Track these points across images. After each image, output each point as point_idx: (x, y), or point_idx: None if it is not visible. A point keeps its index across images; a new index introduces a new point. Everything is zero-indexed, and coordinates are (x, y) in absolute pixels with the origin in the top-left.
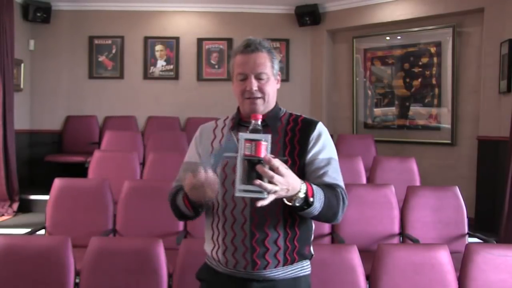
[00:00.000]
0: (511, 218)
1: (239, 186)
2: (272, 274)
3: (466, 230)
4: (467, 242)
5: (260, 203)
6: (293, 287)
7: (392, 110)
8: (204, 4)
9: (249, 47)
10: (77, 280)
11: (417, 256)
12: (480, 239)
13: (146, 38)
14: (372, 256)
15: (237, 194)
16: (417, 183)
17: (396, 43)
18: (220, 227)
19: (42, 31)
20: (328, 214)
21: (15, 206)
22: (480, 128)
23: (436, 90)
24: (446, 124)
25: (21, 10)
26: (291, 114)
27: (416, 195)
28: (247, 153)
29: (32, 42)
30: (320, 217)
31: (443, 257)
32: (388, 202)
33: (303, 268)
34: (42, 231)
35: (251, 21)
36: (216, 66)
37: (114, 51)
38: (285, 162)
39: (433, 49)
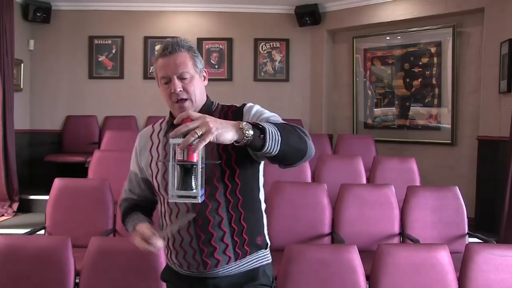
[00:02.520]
0: (511, 218)
1: (172, 191)
2: (226, 271)
3: (466, 230)
4: (467, 242)
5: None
6: (251, 278)
7: (392, 110)
8: (204, 4)
9: (167, 49)
10: (77, 280)
11: (417, 256)
12: (480, 239)
13: (146, 38)
14: (372, 256)
15: (171, 200)
16: (417, 183)
17: (396, 43)
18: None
19: (42, 31)
20: (293, 139)
21: (15, 206)
22: (480, 128)
23: (436, 90)
24: (446, 124)
25: (21, 10)
26: (222, 107)
27: (416, 195)
28: (179, 158)
29: (32, 42)
30: (289, 147)
31: (443, 257)
32: (388, 202)
33: (259, 258)
34: (42, 231)
35: (251, 21)
36: (216, 66)
37: (114, 51)
38: (221, 166)
39: (433, 49)
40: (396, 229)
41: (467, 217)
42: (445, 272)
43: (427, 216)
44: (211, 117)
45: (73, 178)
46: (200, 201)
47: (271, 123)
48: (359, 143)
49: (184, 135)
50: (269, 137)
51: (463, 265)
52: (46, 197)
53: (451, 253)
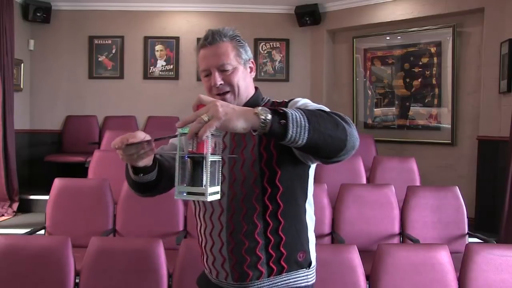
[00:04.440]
0: (511, 218)
1: (178, 187)
2: (256, 287)
3: (466, 230)
4: (467, 242)
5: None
6: None
7: (392, 110)
8: (204, 4)
9: (207, 39)
10: (77, 280)
11: (417, 256)
12: (480, 239)
13: (146, 38)
14: (372, 256)
15: (177, 196)
16: (417, 183)
17: (396, 43)
18: (202, 232)
19: (42, 31)
20: (326, 126)
21: (15, 206)
22: (480, 128)
23: (436, 90)
24: (446, 124)
25: (21, 10)
26: (273, 103)
27: (416, 195)
28: (189, 149)
29: (32, 42)
30: (320, 135)
31: (443, 257)
32: (388, 202)
33: (299, 278)
34: (42, 231)
35: (251, 21)
36: None
37: (114, 51)
38: (238, 160)
39: (433, 49)
40: (396, 229)
41: (467, 217)
42: (445, 272)
43: (427, 216)
44: (224, 102)
45: (73, 178)
46: (208, 199)
47: (299, 108)
48: (359, 143)
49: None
50: (292, 123)
51: (463, 265)
52: (46, 197)
53: (451, 253)
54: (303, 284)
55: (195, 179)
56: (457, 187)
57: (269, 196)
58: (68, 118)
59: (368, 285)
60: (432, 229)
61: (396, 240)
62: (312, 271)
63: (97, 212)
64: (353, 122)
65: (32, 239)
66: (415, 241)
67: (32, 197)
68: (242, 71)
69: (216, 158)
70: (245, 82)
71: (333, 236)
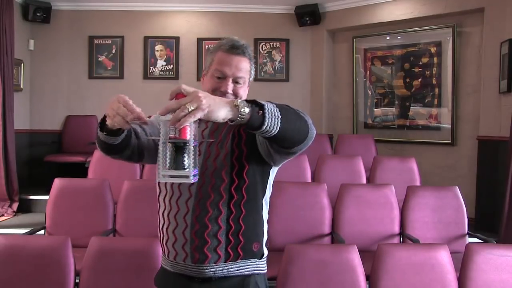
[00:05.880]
0: (511, 218)
1: (163, 171)
2: (212, 271)
3: (466, 230)
4: (467, 242)
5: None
6: (240, 286)
7: (392, 110)
8: (204, 4)
9: (237, 49)
10: (77, 280)
11: (417, 256)
12: (480, 239)
13: (146, 38)
14: (372, 256)
15: (161, 180)
16: (417, 183)
17: (396, 43)
18: (165, 215)
19: (42, 31)
20: (292, 117)
21: (15, 206)
22: (480, 128)
23: (436, 90)
24: (446, 124)
25: (21, 10)
26: None
27: (416, 195)
28: (171, 135)
29: (32, 42)
30: (289, 125)
31: (443, 257)
32: (388, 202)
33: (251, 266)
34: (42, 231)
35: (251, 21)
36: None
37: (114, 51)
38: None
39: (433, 49)
40: (396, 229)
41: (467, 217)
42: (445, 272)
43: (427, 216)
44: (205, 92)
45: (73, 178)
46: (192, 181)
47: (269, 101)
48: (359, 143)
49: (175, 111)
50: (269, 114)
51: (463, 265)
52: (46, 197)
53: (451, 253)
54: (255, 272)
55: (178, 163)
56: (457, 187)
57: (235, 187)
58: (68, 118)
59: (368, 285)
60: (432, 229)
61: (396, 240)
62: (263, 262)
63: (97, 212)
64: (353, 122)
65: (32, 239)
66: (415, 241)
67: (32, 197)
68: (246, 86)
69: (195, 143)
70: (244, 95)
71: (333, 236)
